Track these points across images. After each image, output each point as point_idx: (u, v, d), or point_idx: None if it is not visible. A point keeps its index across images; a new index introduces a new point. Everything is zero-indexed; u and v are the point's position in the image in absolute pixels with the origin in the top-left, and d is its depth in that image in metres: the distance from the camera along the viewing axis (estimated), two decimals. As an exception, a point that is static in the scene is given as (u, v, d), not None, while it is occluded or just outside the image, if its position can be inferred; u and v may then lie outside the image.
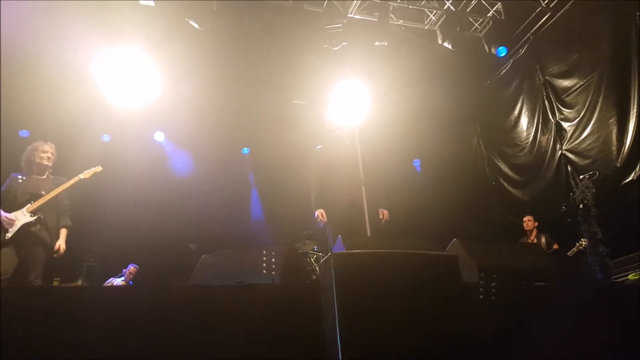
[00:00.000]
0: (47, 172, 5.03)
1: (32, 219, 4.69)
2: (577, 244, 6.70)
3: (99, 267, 8.85)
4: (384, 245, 3.10)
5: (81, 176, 4.97)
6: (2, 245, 4.54)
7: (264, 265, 3.43)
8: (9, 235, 4.56)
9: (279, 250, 3.58)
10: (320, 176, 4.95)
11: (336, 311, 2.18)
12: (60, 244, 4.82)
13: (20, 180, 4.87)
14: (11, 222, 4.61)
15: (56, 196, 4.84)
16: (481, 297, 2.96)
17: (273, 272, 3.40)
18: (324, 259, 2.63)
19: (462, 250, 3.42)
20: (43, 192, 4.80)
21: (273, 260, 3.45)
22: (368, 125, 7.61)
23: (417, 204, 9.89)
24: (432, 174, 10.58)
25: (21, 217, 4.66)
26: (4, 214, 4.64)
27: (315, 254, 7.85)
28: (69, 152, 8.05)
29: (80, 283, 8.49)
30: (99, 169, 5.09)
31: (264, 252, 3.57)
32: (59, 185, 4.94)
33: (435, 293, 2.47)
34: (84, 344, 2.31)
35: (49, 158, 4.98)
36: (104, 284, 8.16)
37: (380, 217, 4.80)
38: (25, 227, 4.65)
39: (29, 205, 4.73)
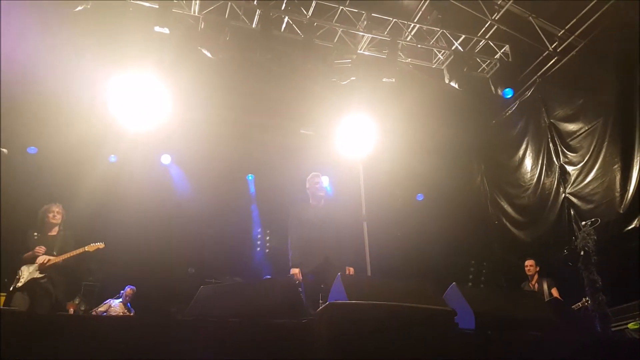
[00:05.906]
0: (57, 229, 5.72)
1: (40, 275, 5.36)
2: (584, 300, 6.41)
3: (97, 287, 8.80)
4: (382, 288, 3.11)
5: (86, 248, 5.66)
6: (14, 291, 5.32)
7: (262, 300, 3.43)
8: (19, 284, 5.30)
9: (277, 284, 3.59)
10: (297, 233, 5.23)
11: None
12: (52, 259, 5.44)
13: (36, 237, 5.57)
14: (40, 250, 5.38)
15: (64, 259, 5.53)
16: (477, 345, 2.95)
17: (269, 307, 3.40)
18: (323, 307, 2.64)
19: (461, 295, 3.41)
20: (55, 253, 5.49)
21: (270, 294, 3.45)
22: (372, 159, 7.74)
23: (418, 238, 9.87)
24: (435, 209, 10.55)
25: (33, 271, 5.38)
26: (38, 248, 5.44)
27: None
28: (75, 171, 8.20)
29: (77, 302, 8.45)
30: (101, 245, 5.77)
31: (262, 286, 3.57)
32: (67, 239, 5.68)
33: (432, 347, 2.46)
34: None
35: (54, 216, 5.67)
36: (102, 304, 8.15)
37: (347, 273, 5.01)
38: (34, 281, 5.35)
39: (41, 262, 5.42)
